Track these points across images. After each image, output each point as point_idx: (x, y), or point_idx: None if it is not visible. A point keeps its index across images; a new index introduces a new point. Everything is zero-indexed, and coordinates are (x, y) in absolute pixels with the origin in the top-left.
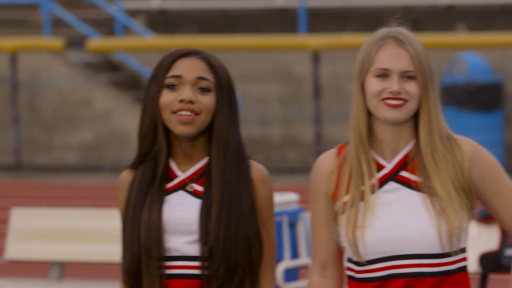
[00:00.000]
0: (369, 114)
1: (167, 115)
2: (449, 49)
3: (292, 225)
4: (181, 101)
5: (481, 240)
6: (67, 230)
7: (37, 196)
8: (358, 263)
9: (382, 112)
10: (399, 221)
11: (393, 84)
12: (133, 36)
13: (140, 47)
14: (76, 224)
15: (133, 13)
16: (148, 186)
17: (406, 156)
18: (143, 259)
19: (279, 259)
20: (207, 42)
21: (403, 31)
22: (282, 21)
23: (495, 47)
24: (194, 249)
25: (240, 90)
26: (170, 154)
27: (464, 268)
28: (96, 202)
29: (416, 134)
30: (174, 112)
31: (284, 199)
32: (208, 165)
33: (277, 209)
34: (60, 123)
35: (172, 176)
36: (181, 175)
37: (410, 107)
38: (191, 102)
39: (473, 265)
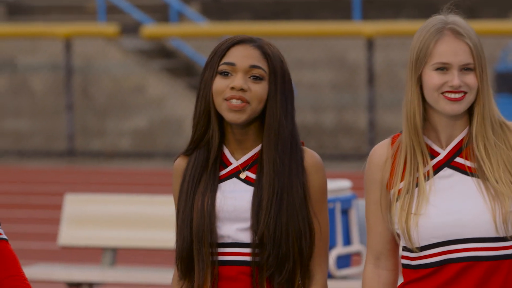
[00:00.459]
0: (424, 102)
1: (219, 102)
2: (503, 37)
3: (345, 212)
4: (232, 88)
5: None
6: (120, 216)
7: (90, 182)
8: (413, 250)
9: (442, 105)
10: (454, 206)
11: (454, 78)
12: (187, 22)
13: (194, 33)
14: (128, 210)
15: (187, 0)
16: (202, 173)
17: (460, 143)
18: (195, 245)
19: (332, 246)
20: (260, 29)
21: (459, 22)
22: (336, 8)
23: None
24: (246, 236)
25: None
26: (223, 141)
27: None
28: (149, 188)
29: (470, 121)
30: (226, 99)
31: (337, 186)
32: (260, 152)
33: (330, 196)
34: (113, 109)
35: (226, 163)
36: (234, 163)
37: (469, 99)
38: (242, 90)
39: None
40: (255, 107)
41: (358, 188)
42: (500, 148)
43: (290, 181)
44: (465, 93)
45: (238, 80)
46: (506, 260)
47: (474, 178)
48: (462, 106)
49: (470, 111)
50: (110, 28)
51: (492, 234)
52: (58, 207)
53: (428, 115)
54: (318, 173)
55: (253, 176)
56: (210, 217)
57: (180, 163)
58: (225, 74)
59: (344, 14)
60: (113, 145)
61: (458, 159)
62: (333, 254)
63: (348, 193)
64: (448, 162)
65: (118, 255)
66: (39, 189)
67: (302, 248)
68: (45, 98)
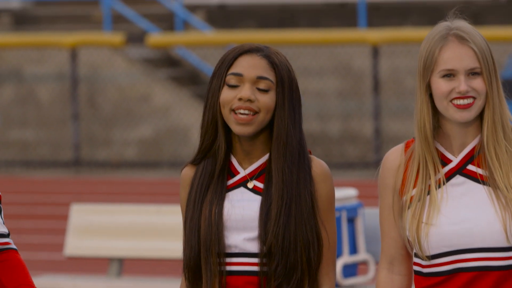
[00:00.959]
0: (435, 110)
1: (226, 113)
2: (509, 43)
3: (351, 221)
4: (240, 99)
5: None
6: (126, 226)
7: (96, 192)
8: (423, 258)
9: (452, 113)
10: (465, 215)
11: (460, 84)
12: (192, 31)
13: (200, 42)
14: (135, 220)
15: (192, 8)
16: (209, 182)
17: (472, 150)
18: (202, 254)
19: (338, 254)
20: (266, 37)
21: (463, 26)
22: (342, 15)
23: None
24: (254, 246)
25: (299, 85)
26: (231, 150)
27: None
28: (155, 198)
29: (481, 126)
30: (233, 110)
31: (343, 194)
32: (268, 162)
33: (336, 204)
34: (119, 118)
35: (234, 173)
36: (242, 172)
37: (479, 105)
38: (249, 100)
39: None
40: (263, 117)
41: (364, 196)
42: (511, 155)
43: (298, 190)
44: (474, 98)
45: (245, 90)
46: None
47: (485, 187)
48: (471, 113)
49: (482, 117)
50: (116, 37)
51: (503, 244)
52: (64, 217)
53: (440, 123)
54: (326, 182)
55: (260, 185)
56: (217, 226)
57: (188, 172)
58: (232, 85)
59: (350, 21)
60: (119, 154)
61: (470, 167)
62: (339, 263)
63: (354, 202)
64: (460, 170)
65: (124, 266)
66: (45, 199)
67: (310, 257)
68: (51, 107)
